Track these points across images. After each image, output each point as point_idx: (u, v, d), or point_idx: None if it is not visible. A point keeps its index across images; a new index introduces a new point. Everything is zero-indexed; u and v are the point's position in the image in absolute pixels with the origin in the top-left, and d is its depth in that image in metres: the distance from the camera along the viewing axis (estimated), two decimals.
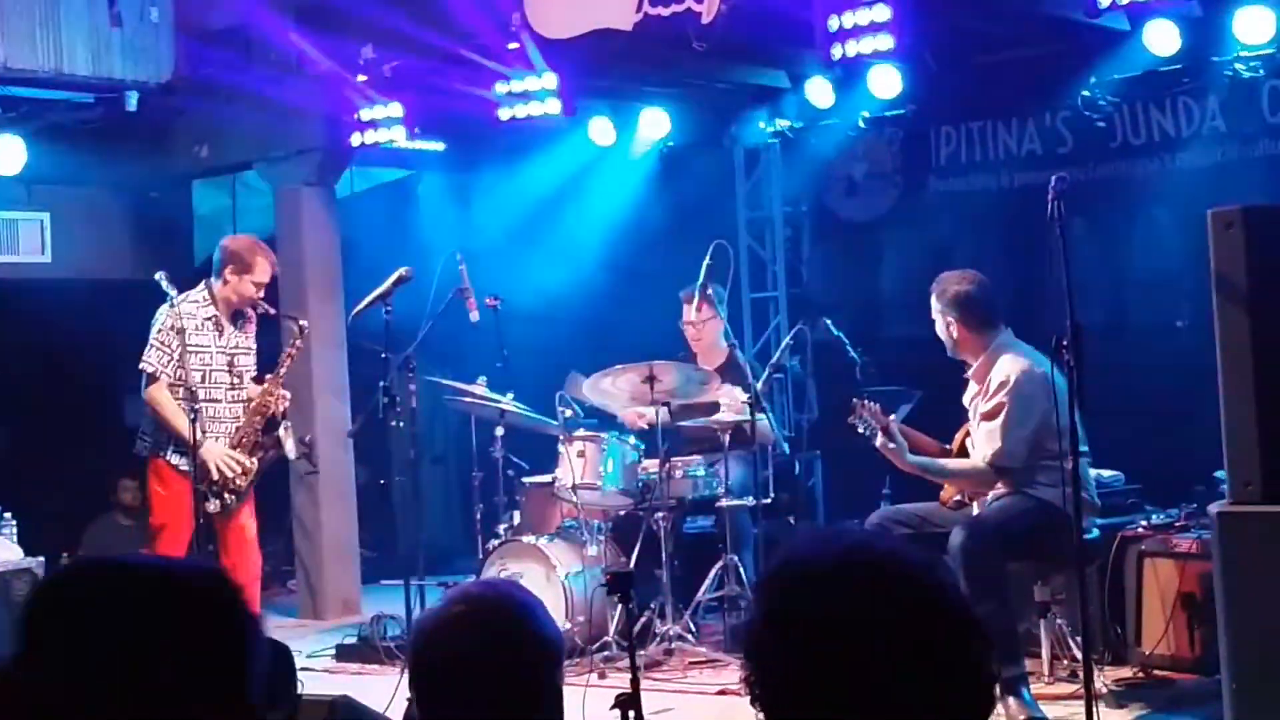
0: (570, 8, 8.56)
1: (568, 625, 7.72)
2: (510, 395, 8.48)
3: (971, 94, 9.82)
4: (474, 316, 8.26)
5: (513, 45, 8.79)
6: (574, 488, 8.16)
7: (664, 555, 7.93)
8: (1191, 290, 7.66)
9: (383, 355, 7.94)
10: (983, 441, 6.76)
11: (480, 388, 8.44)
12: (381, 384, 7.92)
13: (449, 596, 2.65)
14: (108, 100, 9.97)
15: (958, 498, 7.03)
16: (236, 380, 7.95)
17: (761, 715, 1.88)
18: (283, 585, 10.98)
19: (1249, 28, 8.11)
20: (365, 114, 9.58)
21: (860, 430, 6.89)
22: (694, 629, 8.02)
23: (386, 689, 6.56)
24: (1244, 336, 5.47)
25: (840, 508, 10.15)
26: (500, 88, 9.08)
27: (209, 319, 7.86)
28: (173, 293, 7.69)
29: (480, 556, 8.35)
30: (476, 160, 11.73)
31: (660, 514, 8.01)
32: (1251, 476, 5.42)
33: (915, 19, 7.77)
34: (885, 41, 7.71)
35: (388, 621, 8.52)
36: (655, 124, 10.50)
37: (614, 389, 8.29)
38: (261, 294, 7.96)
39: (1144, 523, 7.33)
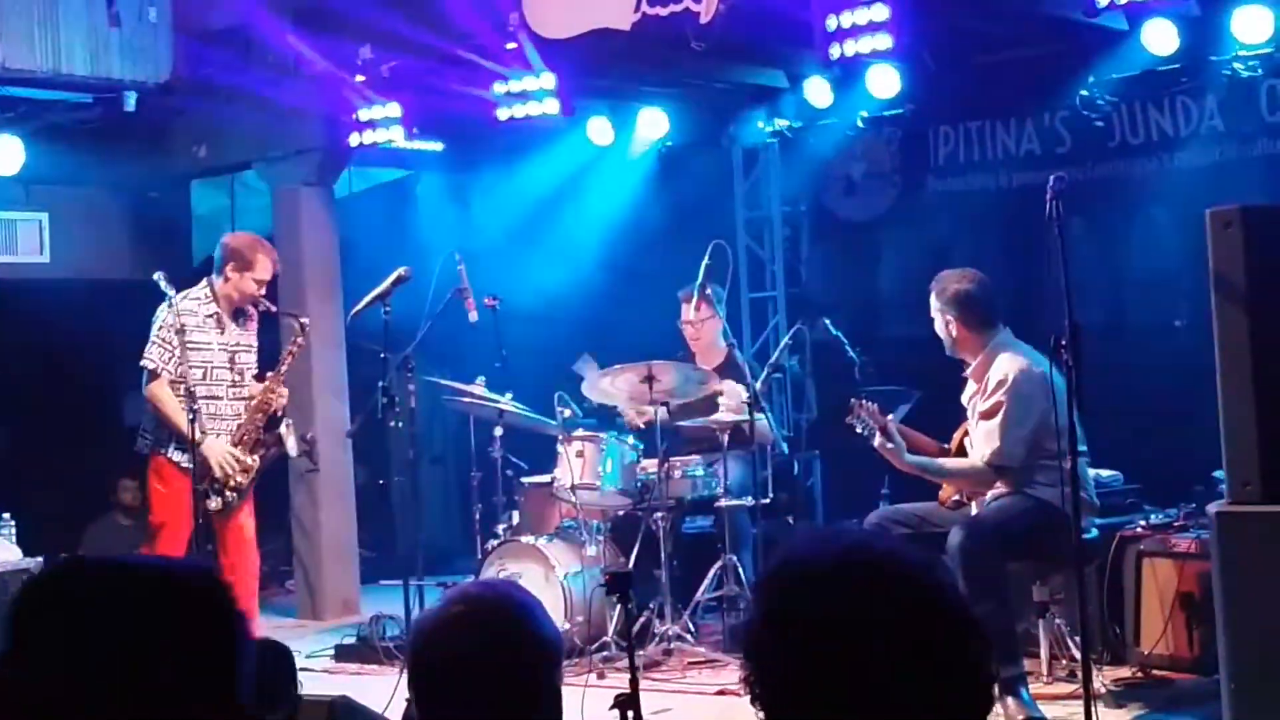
0: (568, 8, 8.56)
1: (566, 625, 7.72)
2: (509, 395, 8.48)
3: (970, 94, 9.82)
4: (473, 316, 8.26)
5: (511, 45, 8.79)
6: (573, 488, 8.16)
7: (663, 555, 7.93)
8: (1190, 290, 7.65)
9: (381, 355, 7.94)
10: (981, 441, 6.76)
11: (479, 388, 8.44)
12: (380, 384, 7.92)
13: (448, 597, 2.65)
14: (106, 100, 9.97)
15: (956, 498, 7.03)
16: (238, 377, 7.96)
17: (761, 715, 1.88)
18: (281, 585, 10.98)
19: (1247, 27, 8.10)
20: (364, 114, 9.58)
21: (858, 430, 6.89)
22: (693, 629, 8.02)
23: (385, 689, 6.56)
24: (1242, 336, 5.47)
25: (839, 508, 10.15)
26: (498, 88, 9.08)
27: (210, 316, 7.87)
28: (171, 293, 7.70)
29: (479, 556, 8.35)
30: (475, 160, 11.73)
31: (659, 514, 8.01)
32: (1250, 476, 5.42)
33: (914, 19, 7.77)
34: (884, 41, 7.71)
35: (386, 622, 8.52)
36: (653, 124, 10.50)
37: (613, 389, 8.29)
38: (263, 291, 7.97)
39: (1143, 522, 7.33)
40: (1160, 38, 8.34)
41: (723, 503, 8.09)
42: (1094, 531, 6.93)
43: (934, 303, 6.90)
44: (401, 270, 7.94)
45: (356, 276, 9.44)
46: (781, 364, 9.04)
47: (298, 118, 9.91)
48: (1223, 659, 5.41)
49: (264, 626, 8.46)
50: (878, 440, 6.79)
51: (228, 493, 7.75)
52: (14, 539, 8.86)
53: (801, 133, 10.60)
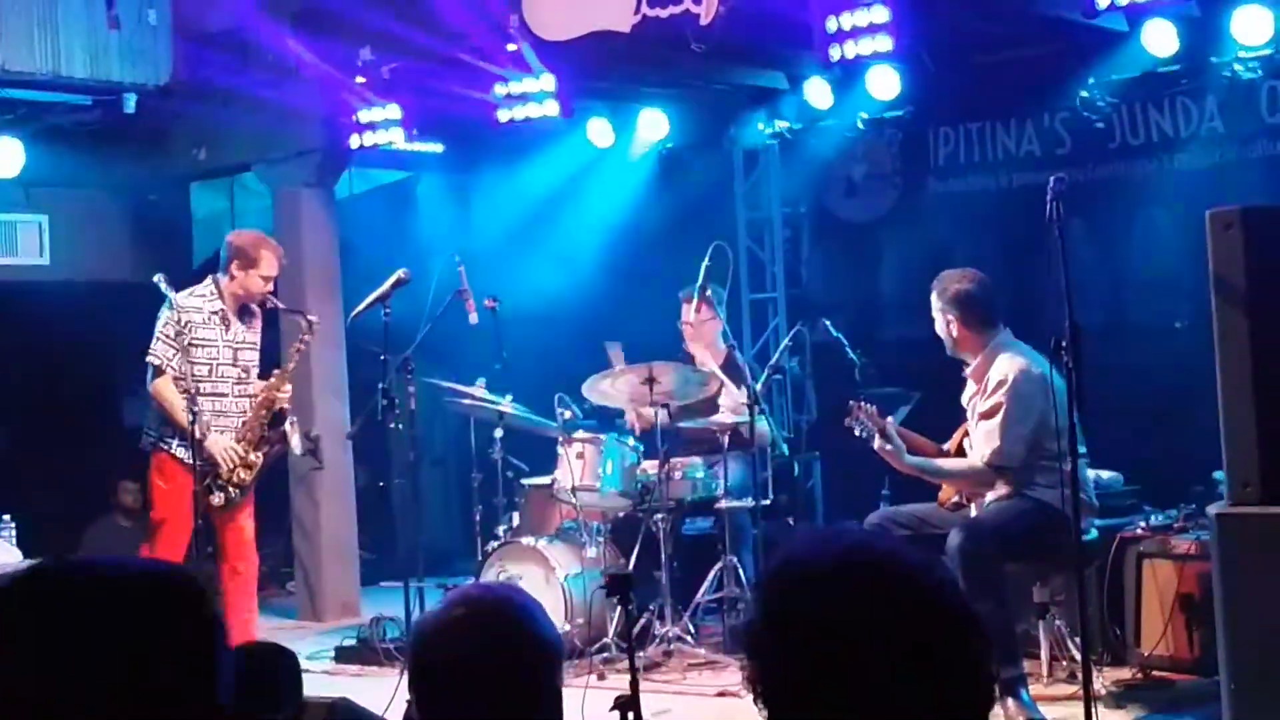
0: (568, 10, 8.56)
1: (567, 627, 7.72)
2: (509, 397, 8.48)
3: (970, 95, 9.83)
4: (473, 318, 8.26)
5: (511, 47, 8.79)
6: (573, 489, 8.17)
7: (663, 557, 7.93)
8: (1190, 291, 7.65)
9: (382, 357, 7.94)
10: (981, 441, 6.76)
11: (479, 389, 8.44)
12: (380, 386, 7.92)
13: (449, 599, 2.66)
14: (106, 103, 9.97)
15: (956, 499, 7.03)
16: (243, 374, 7.97)
17: (764, 714, 1.89)
18: (282, 587, 10.98)
19: (1247, 28, 8.10)
20: (364, 116, 9.58)
21: (857, 433, 6.89)
22: (693, 630, 8.02)
23: (386, 691, 6.55)
24: (1243, 337, 5.47)
25: (839, 509, 10.15)
26: (499, 89, 9.08)
27: (215, 313, 7.88)
28: (171, 294, 7.71)
29: (479, 558, 8.35)
30: (475, 162, 11.74)
31: (659, 515, 8.01)
32: (1250, 478, 5.42)
33: (914, 20, 7.77)
34: (884, 43, 7.72)
35: (387, 623, 8.52)
36: (654, 125, 10.50)
37: (613, 390, 8.29)
38: (270, 288, 7.97)
39: (1143, 524, 7.33)
40: (1160, 39, 8.34)
41: (723, 504, 8.09)
42: (1094, 533, 6.92)
43: (935, 303, 6.90)
44: (401, 272, 7.94)
45: (357, 278, 9.45)
46: (782, 365, 9.04)
47: (298, 119, 9.91)
48: (1223, 660, 5.41)
49: (264, 628, 8.46)
50: (877, 442, 6.79)
51: (231, 488, 7.76)
52: (14, 541, 8.86)
53: (802, 134, 10.60)
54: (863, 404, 6.90)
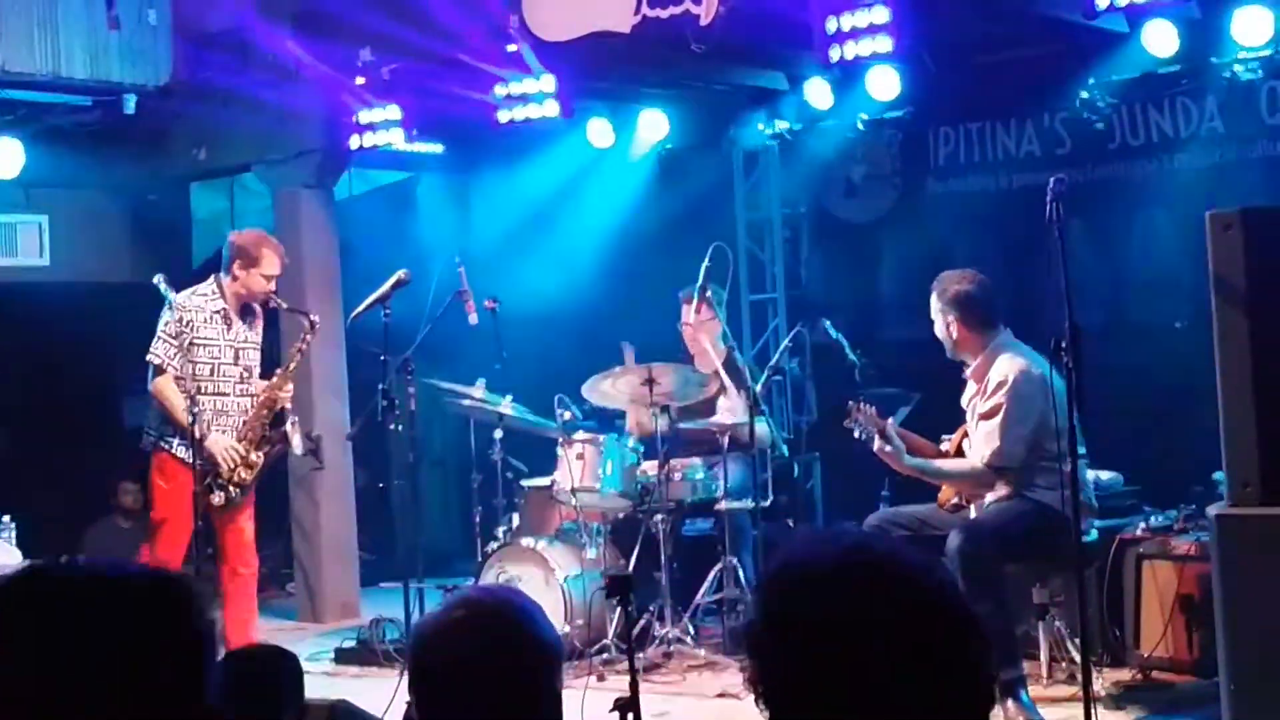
0: (568, 10, 8.56)
1: (566, 628, 7.72)
2: (509, 398, 8.48)
3: (970, 95, 9.83)
4: (472, 319, 8.27)
5: (511, 48, 8.79)
6: (573, 490, 8.16)
7: (663, 558, 7.93)
8: (1190, 291, 7.64)
9: (381, 358, 7.94)
10: (981, 442, 6.76)
11: (479, 390, 8.44)
12: (380, 387, 7.92)
13: (449, 602, 2.66)
14: (106, 103, 9.98)
15: (955, 500, 7.03)
16: (245, 374, 7.97)
17: (766, 715, 1.89)
18: (281, 588, 10.98)
19: (1247, 29, 8.10)
20: (364, 116, 9.58)
21: (856, 434, 6.89)
22: (693, 631, 8.01)
23: (385, 692, 6.54)
24: (1242, 338, 5.47)
25: (839, 510, 10.15)
26: (499, 90, 9.08)
27: (217, 312, 7.88)
28: (171, 295, 7.71)
29: (479, 559, 8.35)
30: (475, 162, 11.74)
31: (659, 516, 8.01)
32: (1250, 478, 5.42)
33: (914, 21, 7.77)
34: (884, 43, 7.72)
35: (387, 624, 8.51)
36: (654, 126, 10.50)
37: (613, 391, 8.28)
38: (273, 287, 7.97)
39: (1142, 525, 7.32)
40: (1160, 39, 8.34)
41: (723, 505, 8.09)
42: (1093, 534, 6.92)
43: (934, 303, 6.90)
44: (401, 273, 7.93)
45: (356, 279, 9.45)
46: (782, 366, 9.04)
47: (297, 120, 9.91)
48: (1222, 661, 5.41)
49: (264, 629, 8.45)
50: (876, 444, 6.79)
51: (231, 488, 7.76)
52: (14, 541, 8.85)
53: (802, 135, 10.60)
54: (862, 405, 6.90)
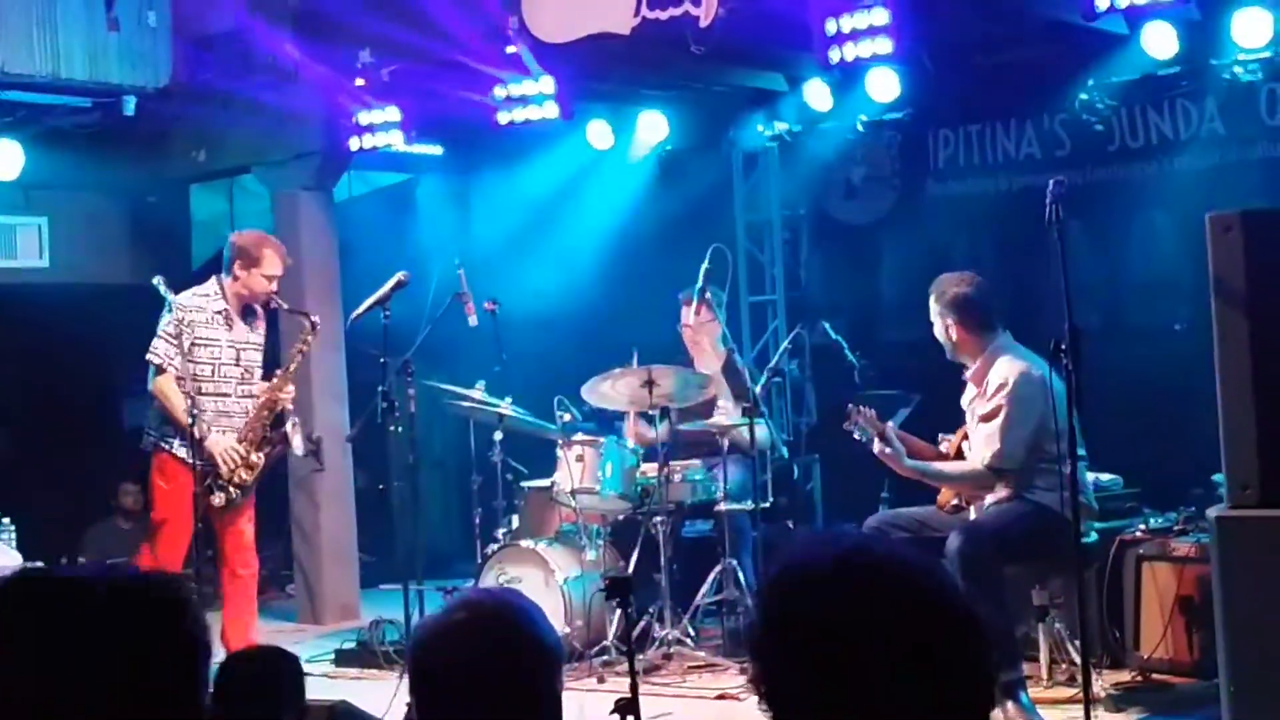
0: (568, 12, 8.56)
1: (566, 630, 7.71)
2: (508, 399, 8.48)
3: (970, 97, 9.83)
4: (472, 321, 8.27)
5: (511, 49, 8.79)
6: (573, 492, 8.16)
7: (663, 559, 7.93)
8: (1190, 293, 7.65)
9: (381, 360, 7.93)
10: (981, 444, 6.76)
11: (478, 392, 8.44)
12: (380, 389, 7.91)
13: (450, 604, 2.66)
14: (105, 105, 9.98)
15: (955, 502, 7.03)
16: (246, 375, 7.97)
17: (768, 717, 1.89)
18: (281, 589, 10.98)
19: (1247, 30, 8.10)
20: (363, 118, 9.58)
21: (856, 436, 6.89)
22: (693, 633, 8.01)
23: (385, 694, 6.55)
24: (1242, 340, 5.47)
25: (838, 511, 10.14)
26: (498, 92, 9.08)
27: (219, 313, 7.88)
28: (170, 297, 7.71)
29: (479, 561, 8.35)
30: (475, 164, 11.74)
31: (659, 518, 8.01)
32: (1249, 480, 5.42)
33: (913, 22, 7.77)
34: (883, 45, 7.72)
35: (386, 626, 8.51)
36: (653, 127, 10.50)
37: (613, 393, 8.28)
38: (274, 288, 7.97)
39: (1142, 527, 7.32)
40: (1160, 41, 8.34)
41: (722, 507, 8.08)
42: (1093, 536, 6.92)
43: (933, 307, 6.90)
44: (401, 275, 7.93)
45: (356, 280, 9.45)
46: (781, 368, 9.03)
47: (297, 122, 9.91)
48: (1222, 663, 5.41)
49: (264, 631, 8.45)
50: (876, 446, 6.79)
51: (231, 489, 7.75)
52: (14, 543, 8.86)
53: (801, 136, 10.60)
54: (861, 408, 6.90)
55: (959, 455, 7.00)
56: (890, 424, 6.91)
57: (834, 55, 7.84)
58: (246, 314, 8.00)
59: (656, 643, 7.86)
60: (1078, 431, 5.73)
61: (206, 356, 7.80)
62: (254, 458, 7.84)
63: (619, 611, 6.97)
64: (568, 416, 8.37)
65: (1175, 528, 7.24)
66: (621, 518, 8.52)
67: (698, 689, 7.45)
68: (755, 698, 1.91)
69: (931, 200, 10.27)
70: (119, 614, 1.91)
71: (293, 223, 10.23)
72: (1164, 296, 9.04)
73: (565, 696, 2.69)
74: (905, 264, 10.05)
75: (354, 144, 9.70)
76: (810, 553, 1.93)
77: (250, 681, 4.01)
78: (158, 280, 7.73)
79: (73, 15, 9.43)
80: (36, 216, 11.16)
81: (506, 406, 8.43)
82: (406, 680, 2.62)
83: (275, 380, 8.01)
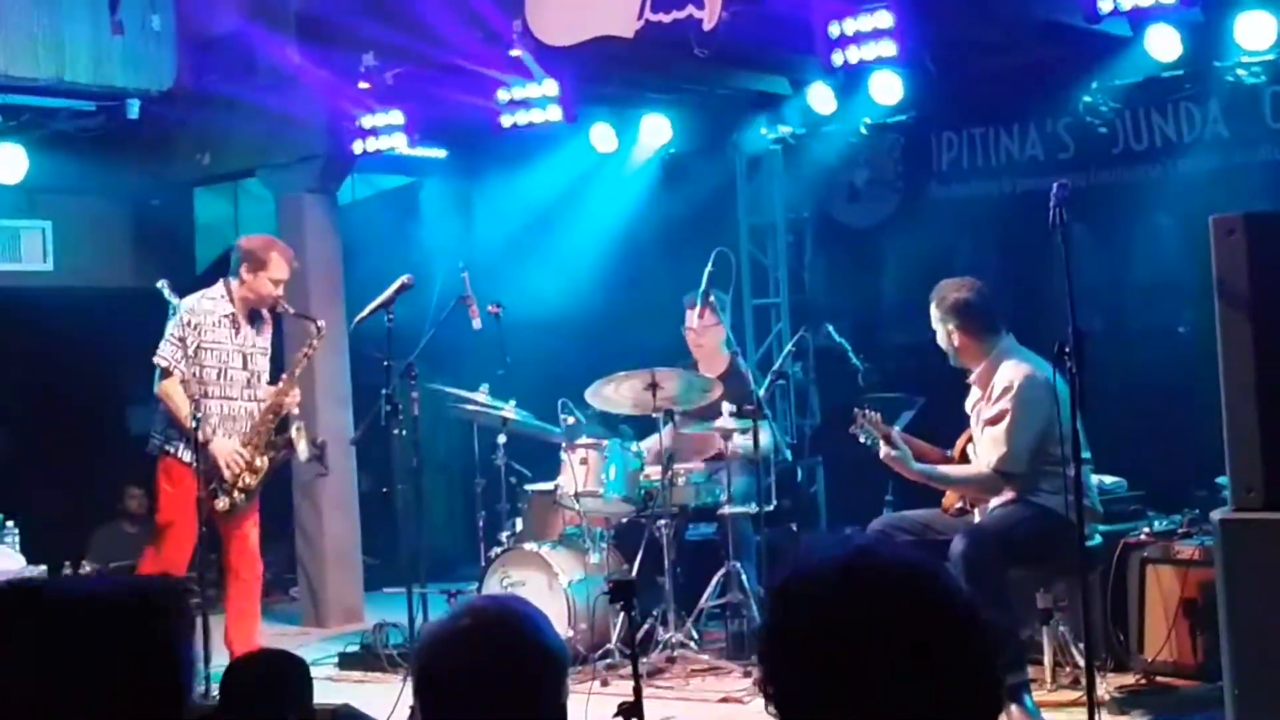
0: (571, 15, 8.56)
1: (570, 633, 7.72)
2: (512, 402, 8.48)
3: (973, 100, 9.83)
4: (476, 324, 8.26)
5: (514, 53, 8.79)
6: (576, 495, 8.16)
7: (666, 562, 7.93)
8: (1193, 296, 7.65)
9: (385, 363, 7.94)
10: (987, 447, 6.76)
11: (482, 395, 8.44)
12: (384, 392, 7.92)
13: (455, 610, 2.66)
14: (109, 108, 9.99)
15: (960, 505, 7.03)
16: (252, 379, 7.97)
17: (776, 718, 1.90)
18: (285, 593, 10.98)
19: (1250, 33, 8.11)
20: (367, 121, 9.59)
21: (862, 440, 6.89)
22: (696, 636, 8.01)
23: (389, 697, 6.56)
24: (1246, 342, 5.47)
25: (842, 514, 10.14)
26: (502, 95, 9.08)
27: (226, 316, 7.89)
28: (174, 300, 7.71)
29: (483, 564, 8.36)
30: (478, 167, 11.74)
31: (662, 521, 8.01)
32: (1254, 483, 5.42)
33: (917, 25, 7.77)
34: (887, 48, 7.72)
35: (390, 629, 8.50)
36: (657, 130, 10.50)
37: (617, 396, 8.28)
38: (281, 292, 7.97)
39: (1146, 529, 7.33)
40: (1163, 44, 8.34)
41: (726, 510, 8.08)
42: (1097, 538, 6.92)
43: (934, 313, 6.90)
44: (405, 278, 7.94)
45: (360, 283, 9.45)
46: (785, 371, 9.03)
47: (301, 125, 9.92)
48: (1226, 666, 5.41)
49: (267, 634, 8.45)
50: (883, 450, 6.78)
51: (235, 493, 7.76)
52: (18, 547, 8.86)
53: (805, 139, 10.60)
54: (867, 412, 6.89)
55: (963, 458, 6.99)
56: (895, 428, 6.91)
57: (837, 58, 7.84)
58: (254, 318, 8.01)
59: (660, 646, 7.86)
60: (1081, 434, 5.73)
61: (213, 360, 7.81)
62: (258, 462, 7.85)
63: (623, 614, 6.97)
64: (571, 419, 8.38)
65: (1179, 530, 7.24)
66: (625, 521, 8.52)
67: (701, 692, 7.45)
68: (762, 700, 1.91)
69: (935, 203, 10.26)
70: (94, 623, 1.92)
71: (297, 226, 10.24)
72: (1167, 299, 9.04)
73: (569, 700, 2.69)
74: (909, 267, 10.04)
75: (358, 147, 9.71)
76: (816, 556, 1.94)
77: (255, 685, 4.01)
78: (162, 284, 7.73)
79: (77, 19, 9.44)
80: (41, 220, 11.18)
81: (510, 410, 8.43)
82: (410, 684, 2.63)
83: (280, 384, 8.01)
